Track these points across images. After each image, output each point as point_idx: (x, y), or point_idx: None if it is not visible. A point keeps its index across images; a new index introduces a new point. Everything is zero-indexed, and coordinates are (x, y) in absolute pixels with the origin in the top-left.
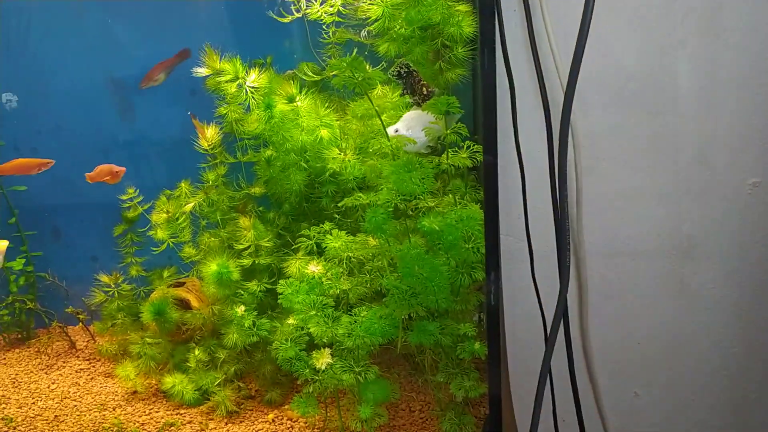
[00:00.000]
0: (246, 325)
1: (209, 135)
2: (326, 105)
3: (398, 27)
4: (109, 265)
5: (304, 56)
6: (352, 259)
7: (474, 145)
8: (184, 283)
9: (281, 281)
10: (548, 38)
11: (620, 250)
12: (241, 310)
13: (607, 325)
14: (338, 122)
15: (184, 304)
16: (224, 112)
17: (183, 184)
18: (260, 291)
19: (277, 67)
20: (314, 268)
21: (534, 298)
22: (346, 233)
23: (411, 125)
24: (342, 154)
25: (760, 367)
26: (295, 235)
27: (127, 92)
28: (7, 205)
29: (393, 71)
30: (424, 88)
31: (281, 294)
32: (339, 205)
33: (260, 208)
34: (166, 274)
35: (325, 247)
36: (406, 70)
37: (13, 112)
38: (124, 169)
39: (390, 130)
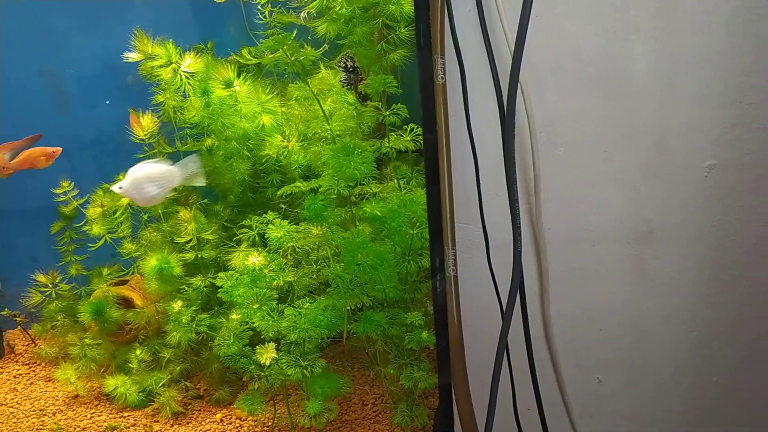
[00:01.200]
0: (184, 321)
1: (145, 124)
2: (267, 90)
3: (338, 7)
4: (51, 265)
5: (246, 42)
6: (297, 249)
7: (417, 127)
8: (128, 281)
9: (220, 274)
10: (500, 18)
11: (580, 236)
12: (177, 305)
13: (568, 312)
14: (281, 108)
15: (127, 303)
16: (161, 99)
17: (121, 177)
18: (205, 286)
19: (219, 53)
20: (255, 259)
21: (492, 287)
22: (290, 222)
23: (138, 182)
24: (285, 141)
25: (722, 350)
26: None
27: (62, 85)
28: None
29: (338, 62)
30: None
31: (221, 287)
32: (279, 194)
33: (204, 200)
34: (105, 272)
35: (269, 238)
36: (351, 64)
37: None
38: (59, 149)
39: (114, 188)
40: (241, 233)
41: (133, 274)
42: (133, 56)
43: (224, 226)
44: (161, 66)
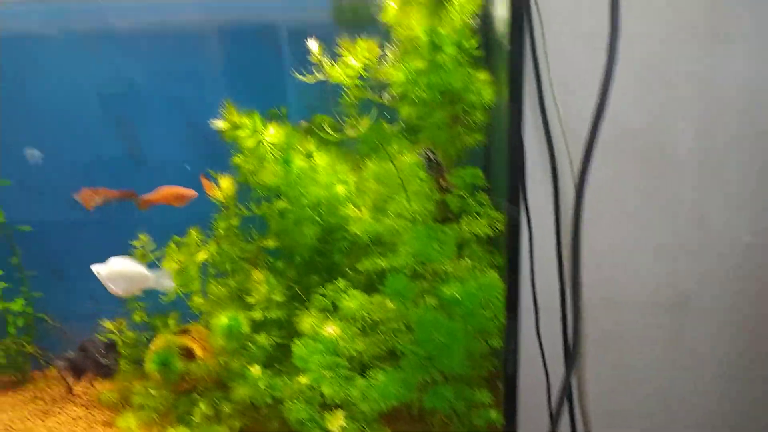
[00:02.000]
0: (262, 386)
1: (224, 185)
2: (342, 161)
3: (419, 91)
4: (109, 305)
5: (317, 107)
6: (367, 318)
7: (489, 208)
8: (188, 330)
9: (296, 340)
10: (553, 97)
11: (618, 301)
12: (256, 370)
13: (604, 374)
14: (354, 179)
15: (187, 353)
16: (239, 162)
17: (193, 231)
18: (269, 345)
19: (290, 117)
20: (331, 329)
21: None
22: (360, 290)
23: (113, 275)
24: (358, 211)
25: (753, 418)
26: (305, 287)
27: (133, 130)
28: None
29: (420, 153)
30: (443, 181)
31: (296, 354)
32: (357, 266)
33: (269, 259)
34: (171, 322)
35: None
36: (433, 156)
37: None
38: (195, 193)
39: (93, 267)
40: (314, 298)
41: (190, 323)
42: (220, 124)
43: (288, 285)
44: (247, 135)
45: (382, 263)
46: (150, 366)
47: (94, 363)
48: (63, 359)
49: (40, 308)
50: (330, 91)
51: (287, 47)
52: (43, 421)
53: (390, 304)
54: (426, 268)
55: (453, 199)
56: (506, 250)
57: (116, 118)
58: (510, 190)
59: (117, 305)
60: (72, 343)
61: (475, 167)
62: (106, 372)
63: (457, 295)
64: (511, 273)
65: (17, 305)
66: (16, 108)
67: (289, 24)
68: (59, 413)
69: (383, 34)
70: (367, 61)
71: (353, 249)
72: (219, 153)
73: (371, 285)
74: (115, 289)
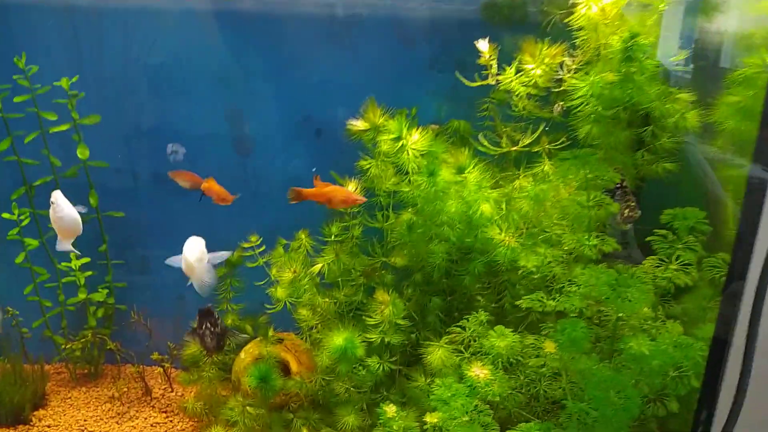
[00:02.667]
0: (395, 427)
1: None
2: (488, 176)
3: (601, 107)
4: (196, 306)
5: (450, 111)
6: (512, 360)
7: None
8: (282, 339)
9: (437, 380)
10: None
11: None
12: (391, 410)
13: None
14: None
15: (282, 366)
16: (366, 166)
17: (302, 235)
18: (381, 371)
19: (417, 118)
20: (479, 372)
21: None
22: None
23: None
24: (503, 234)
25: None
26: (423, 308)
27: (243, 126)
28: (99, 232)
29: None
30: (629, 212)
31: (436, 395)
32: (518, 304)
33: (383, 271)
34: (270, 332)
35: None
36: (621, 185)
37: None
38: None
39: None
40: (451, 330)
41: (282, 331)
42: (359, 124)
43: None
44: (391, 140)
45: (547, 305)
46: (250, 381)
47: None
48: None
49: (121, 299)
50: (465, 94)
51: (424, 42)
52: (119, 425)
53: (550, 348)
54: (599, 313)
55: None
56: (722, 304)
57: (228, 108)
58: (742, 235)
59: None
60: (155, 341)
61: (694, 208)
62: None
63: (646, 351)
64: (721, 334)
65: (100, 295)
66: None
67: (431, 18)
68: (136, 417)
69: (539, 35)
70: (548, 69)
71: (489, 275)
72: (329, 150)
73: (504, 314)
74: (201, 273)
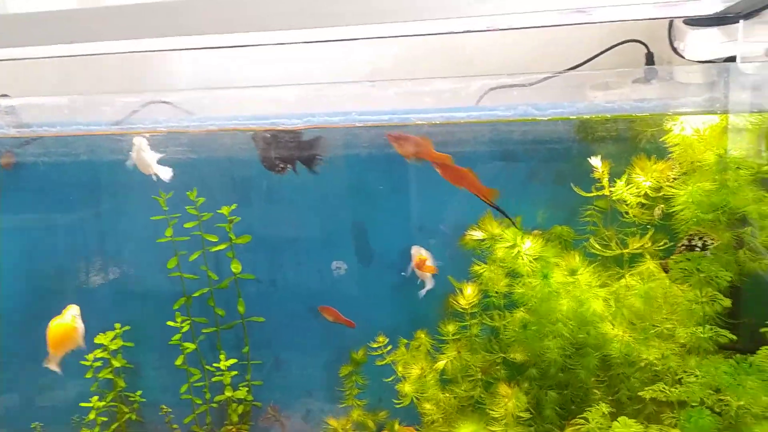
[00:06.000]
0: None
1: (468, 294)
2: (596, 276)
3: (701, 212)
4: (324, 400)
5: (549, 218)
6: None
7: None
8: None
9: None
10: None
11: None
12: None
13: None
14: (607, 294)
15: None
16: (480, 271)
17: (422, 335)
18: None
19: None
20: None
21: None
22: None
23: None
24: (616, 329)
25: None
26: (542, 403)
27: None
28: (243, 335)
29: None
30: None
31: None
32: (640, 394)
33: (497, 367)
34: (397, 426)
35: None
36: (701, 245)
37: None
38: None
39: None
40: (575, 423)
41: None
42: (478, 235)
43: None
44: (506, 247)
45: (674, 392)
46: None
47: None
48: None
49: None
50: (562, 203)
51: (523, 158)
52: None
53: None
54: (723, 402)
55: None
56: None
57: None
58: None
59: (330, 401)
60: None
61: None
62: None
63: None
64: None
65: (242, 393)
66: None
67: (523, 134)
68: None
69: (628, 149)
70: (657, 182)
71: (603, 369)
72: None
73: (622, 407)
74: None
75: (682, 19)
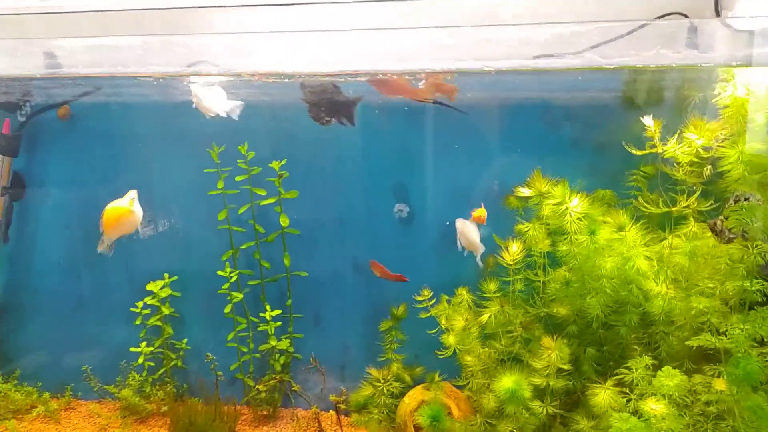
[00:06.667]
0: None
1: (513, 251)
2: (640, 236)
3: (748, 172)
4: (360, 355)
5: (590, 184)
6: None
7: None
8: (443, 386)
9: (615, 414)
10: None
11: None
12: None
13: None
14: (651, 254)
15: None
16: (525, 229)
17: (463, 291)
18: (544, 414)
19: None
20: (655, 406)
21: None
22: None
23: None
24: (660, 286)
25: None
26: (580, 360)
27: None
28: (287, 287)
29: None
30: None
31: (615, 428)
32: (687, 344)
33: (537, 324)
34: (437, 378)
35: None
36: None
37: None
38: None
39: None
40: (620, 372)
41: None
42: (526, 191)
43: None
44: (554, 204)
45: (717, 343)
46: (423, 420)
47: None
48: None
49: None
50: (603, 169)
51: (569, 123)
52: None
53: (721, 386)
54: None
55: None
56: None
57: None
58: None
59: (366, 359)
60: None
61: None
62: None
63: None
64: None
65: (284, 344)
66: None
67: (574, 102)
68: None
69: (673, 113)
70: (709, 141)
71: (642, 326)
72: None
73: (661, 362)
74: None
75: None
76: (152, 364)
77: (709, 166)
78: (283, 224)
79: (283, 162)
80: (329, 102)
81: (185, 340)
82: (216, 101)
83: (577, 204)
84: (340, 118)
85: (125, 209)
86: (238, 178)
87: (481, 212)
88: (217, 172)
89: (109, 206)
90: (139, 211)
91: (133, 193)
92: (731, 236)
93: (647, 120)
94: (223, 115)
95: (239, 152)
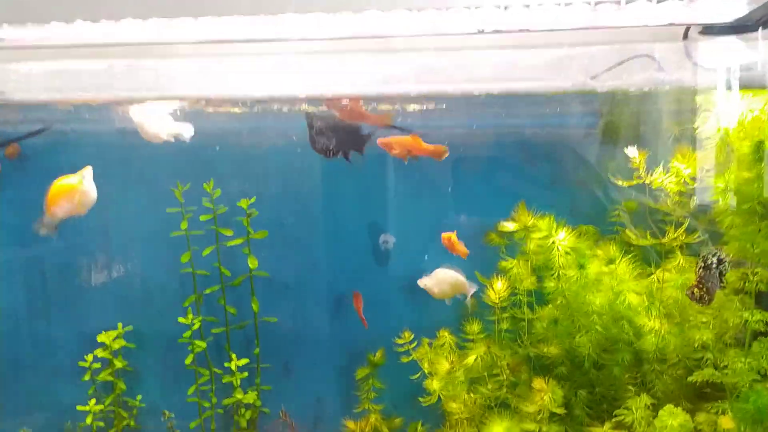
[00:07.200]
0: None
1: (497, 289)
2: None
3: (737, 201)
4: (335, 407)
5: (571, 221)
6: None
7: None
8: None
9: None
10: None
11: None
12: None
13: None
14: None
15: None
16: (508, 267)
17: (445, 333)
18: None
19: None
20: None
21: None
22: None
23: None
24: (652, 321)
25: None
26: (571, 403)
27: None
28: (254, 335)
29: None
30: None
31: None
32: (689, 379)
33: (524, 366)
34: (419, 428)
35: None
36: (718, 261)
37: None
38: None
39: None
40: (619, 413)
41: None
42: (510, 226)
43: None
44: (541, 238)
45: (723, 377)
46: None
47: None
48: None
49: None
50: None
51: (546, 160)
52: None
53: (727, 424)
54: None
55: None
56: None
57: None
58: None
59: (341, 410)
60: None
61: None
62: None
63: None
64: None
65: (250, 397)
66: None
67: (551, 140)
68: None
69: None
70: (695, 170)
71: (635, 366)
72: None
73: (658, 402)
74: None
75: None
76: (101, 424)
77: (695, 197)
78: (251, 266)
79: (252, 200)
80: (343, 133)
81: (139, 397)
82: (161, 126)
83: (564, 237)
84: (347, 152)
85: (73, 186)
86: (202, 218)
87: (450, 235)
88: (181, 212)
89: (57, 182)
90: (91, 190)
91: (87, 169)
92: (710, 298)
93: (631, 151)
94: (171, 140)
95: (204, 190)
